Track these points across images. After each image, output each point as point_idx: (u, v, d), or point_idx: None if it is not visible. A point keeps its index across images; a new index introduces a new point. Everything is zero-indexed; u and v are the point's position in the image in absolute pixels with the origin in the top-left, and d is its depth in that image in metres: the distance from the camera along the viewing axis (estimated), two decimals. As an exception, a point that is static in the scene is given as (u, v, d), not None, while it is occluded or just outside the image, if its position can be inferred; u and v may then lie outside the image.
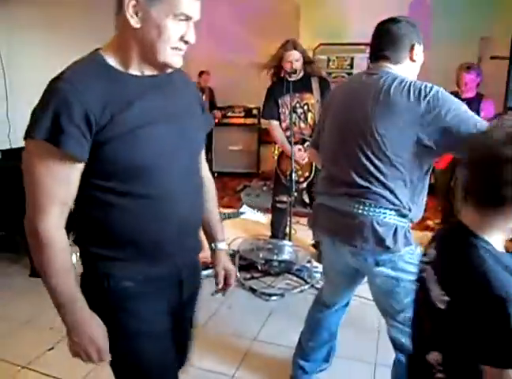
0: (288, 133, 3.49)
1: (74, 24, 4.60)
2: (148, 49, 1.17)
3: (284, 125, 3.66)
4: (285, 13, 6.29)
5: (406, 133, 1.63)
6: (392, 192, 1.69)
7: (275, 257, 3.50)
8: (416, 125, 1.60)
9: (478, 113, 3.84)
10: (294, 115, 3.58)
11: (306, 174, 3.67)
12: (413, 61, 1.79)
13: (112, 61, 1.20)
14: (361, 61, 5.64)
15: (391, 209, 1.70)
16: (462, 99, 3.82)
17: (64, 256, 1.18)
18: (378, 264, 1.76)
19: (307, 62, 3.58)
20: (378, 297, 1.91)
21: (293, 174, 3.38)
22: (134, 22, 1.14)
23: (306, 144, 3.54)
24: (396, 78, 1.69)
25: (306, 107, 3.61)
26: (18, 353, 2.55)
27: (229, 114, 7.08)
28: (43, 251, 1.16)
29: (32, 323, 2.88)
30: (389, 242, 1.69)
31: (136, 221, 1.23)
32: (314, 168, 3.59)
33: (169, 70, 1.25)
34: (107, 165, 1.17)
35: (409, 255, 1.75)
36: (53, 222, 1.15)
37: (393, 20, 1.78)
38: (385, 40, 1.78)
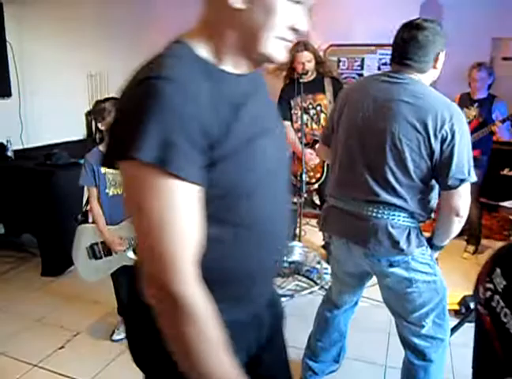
0: (300, 134, 3.48)
1: (86, 22, 4.62)
2: (250, 37, 0.91)
3: (296, 126, 3.65)
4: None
5: (423, 148, 1.67)
6: (405, 199, 1.72)
7: (285, 258, 3.49)
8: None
9: (490, 114, 3.80)
10: (306, 116, 3.57)
11: (318, 175, 3.66)
12: (436, 68, 1.78)
13: (204, 53, 0.91)
14: (371, 63, 5.61)
15: (404, 212, 1.73)
16: (474, 101, 3.86)
17: (215, 326, 0.87)
18: (391, 265, 1.78)
19: (319, 63, 3.56)
20: (389, 298, 1.92)
21: (303, 175, 3.37)
22: (240, 1, 0.87)
23: (318, 145, 3.52)
24: (418, 91, 1.71)
25: (319, 108, 3.59)
26: (29, 351, 2.57)
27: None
28: (190, 325, 0.84)
29: (42, 321, 2.90)
30: (403, 244, 1.72)
31: (228, 253, 0.97)
32: (325, 169, 3.58)
33: (268, 65, 1.00)
34: (208, 189, 0.87)
35: (421, 255, 1.77)
36: (196, 280, 0.85)
37: (420, 27, 1.72)
38: (411, 48, 1.72)
